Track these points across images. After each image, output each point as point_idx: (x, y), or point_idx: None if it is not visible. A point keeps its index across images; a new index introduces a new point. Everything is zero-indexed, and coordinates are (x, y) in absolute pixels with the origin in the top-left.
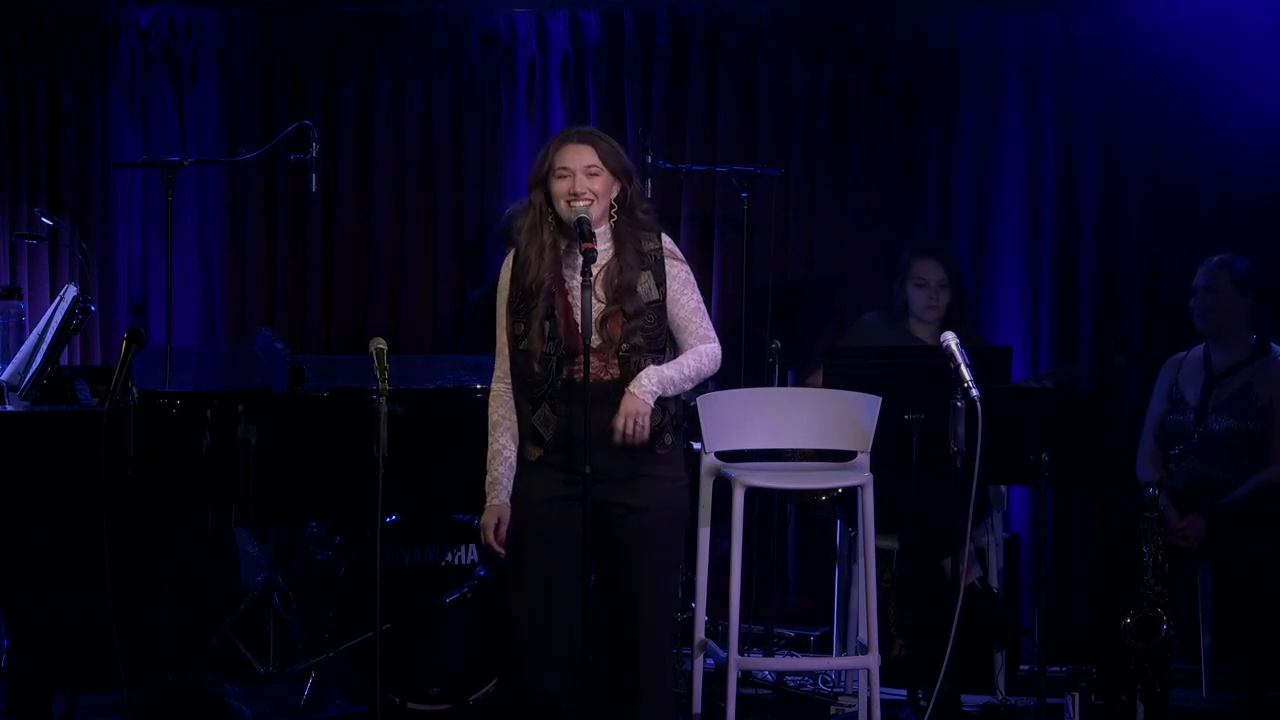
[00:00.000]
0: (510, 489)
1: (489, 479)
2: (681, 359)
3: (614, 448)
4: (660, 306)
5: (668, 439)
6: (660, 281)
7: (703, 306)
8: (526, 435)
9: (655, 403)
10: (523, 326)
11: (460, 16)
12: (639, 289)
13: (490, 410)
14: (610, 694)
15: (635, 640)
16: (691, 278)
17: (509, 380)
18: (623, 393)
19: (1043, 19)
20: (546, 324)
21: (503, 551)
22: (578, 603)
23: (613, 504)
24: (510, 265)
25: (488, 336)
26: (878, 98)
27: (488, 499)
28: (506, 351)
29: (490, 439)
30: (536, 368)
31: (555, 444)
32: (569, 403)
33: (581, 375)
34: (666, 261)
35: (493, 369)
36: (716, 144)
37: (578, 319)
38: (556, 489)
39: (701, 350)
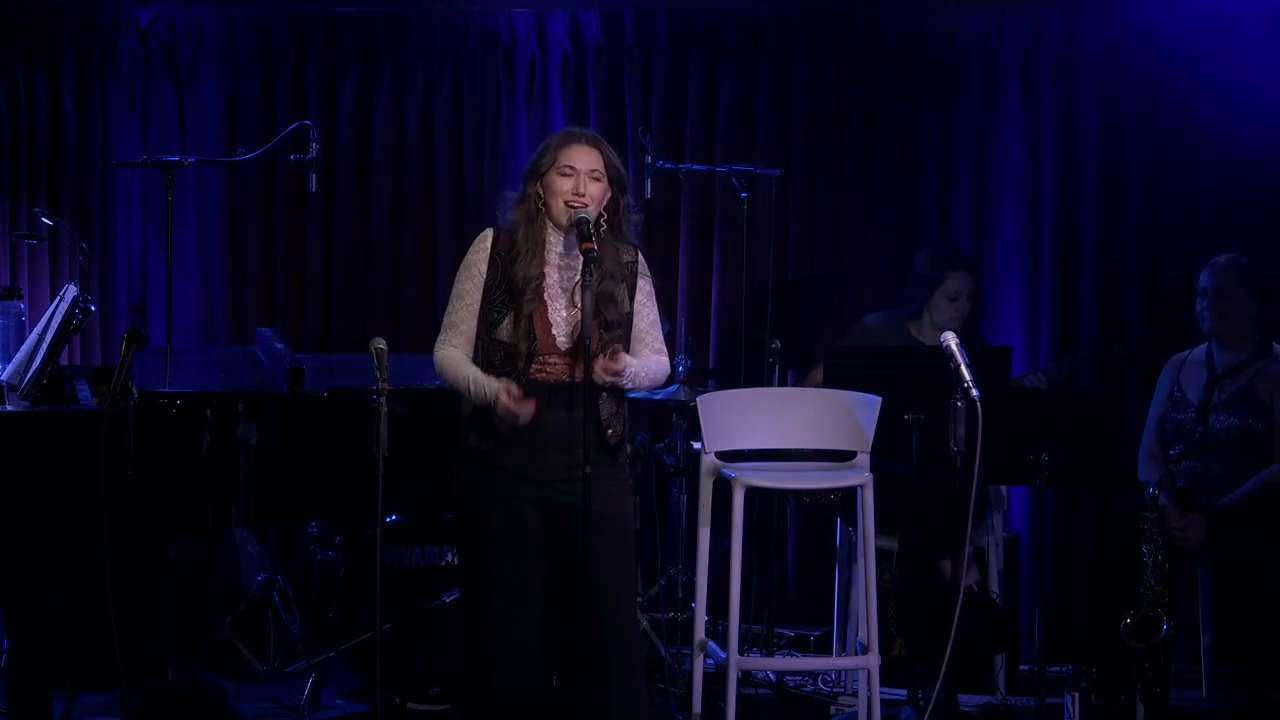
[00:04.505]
0: None
1: (480, 380)
2: (644, 360)
3: (572, 452)
4: (629, 317)
5: (628, 446)
6: (631, 295)
7: (659, 321)
8: (479, 424)
9: (618, 411)
10: (497, 315)
11: (460, 16)
12: (618, 298)
13: (447, 354)
14: (586, 694)
15: (613, 638)
16: (654, 293)
17: (461, 352)
18: (583, 395)
19: (1043, 19)
20: (525, 320)
21: (533, 408)
22: (543, 606)
23: (573, 506)
24: (490, 245)
25: None
26: (878, 98)
27: (489, 390)
28: (465, 330)
29: (460, 372)
30: (519, 363)
31: (511, 439)
32: (532, 401)
33: (545, 375)
34: (639, 277)
35: None
36: (716, 144)
37: (550, 318)
38: (515, 490)
39: (660, 359)
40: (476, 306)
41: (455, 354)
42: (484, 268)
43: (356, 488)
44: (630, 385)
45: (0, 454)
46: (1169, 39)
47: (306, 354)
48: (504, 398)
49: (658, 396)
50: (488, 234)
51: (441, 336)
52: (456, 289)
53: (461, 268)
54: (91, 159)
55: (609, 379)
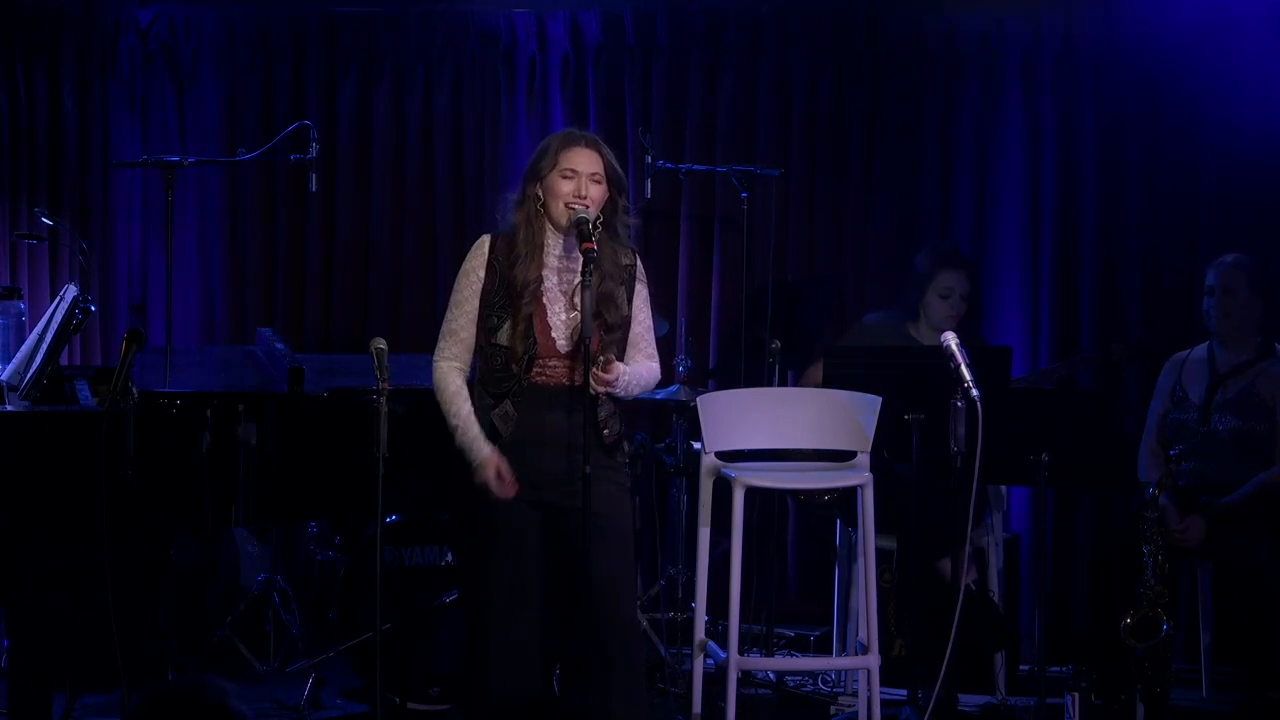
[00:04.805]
0: None
1: (469, 437)
2: (636, 367)
3: (571, 455)
4: (627, 321)
5: (626, 445)
6: (629, 298)
7: (653, 327)
8: (482, 429)
9: (614, 411)
10: (496, 320)
11: (460, 16)
12: (618, 300)
13: (447, 382)
14: (586, 694)
15: (614, 638)
16: (650, 299)
17: (462, 364)
18: (582, 397)
19: (1043, 19)
20: (524, 322)
21: (515, 490)
22: (542, 606)
23: (572, 509)
24: (487, 250)
25: None
26: (878, 97)
27: (475, 454)
28: (465, 337)
29: (454, 406)
30: (515, 367)
31: (511, 442)
32: (531, 403)
33: (545, 378)
34: (636, 281)
35: None
36: (716, 144)
37: (550, 321)
38: (517, 492)
39: (652, 366)
40: (476, 313)
41: (454, 379)
42: (482, 273)
43: (356, 488)
44: (622, 393)
45: (0, 454)
46: (1169, 39)
47: (306, 354)
48: (490, 474)
49: (658, 396)
50: (485, 240)
51: (441, 344)
52: (455, 296)
53: (460, 275)
54: (91, 159)
55: (602, 388)
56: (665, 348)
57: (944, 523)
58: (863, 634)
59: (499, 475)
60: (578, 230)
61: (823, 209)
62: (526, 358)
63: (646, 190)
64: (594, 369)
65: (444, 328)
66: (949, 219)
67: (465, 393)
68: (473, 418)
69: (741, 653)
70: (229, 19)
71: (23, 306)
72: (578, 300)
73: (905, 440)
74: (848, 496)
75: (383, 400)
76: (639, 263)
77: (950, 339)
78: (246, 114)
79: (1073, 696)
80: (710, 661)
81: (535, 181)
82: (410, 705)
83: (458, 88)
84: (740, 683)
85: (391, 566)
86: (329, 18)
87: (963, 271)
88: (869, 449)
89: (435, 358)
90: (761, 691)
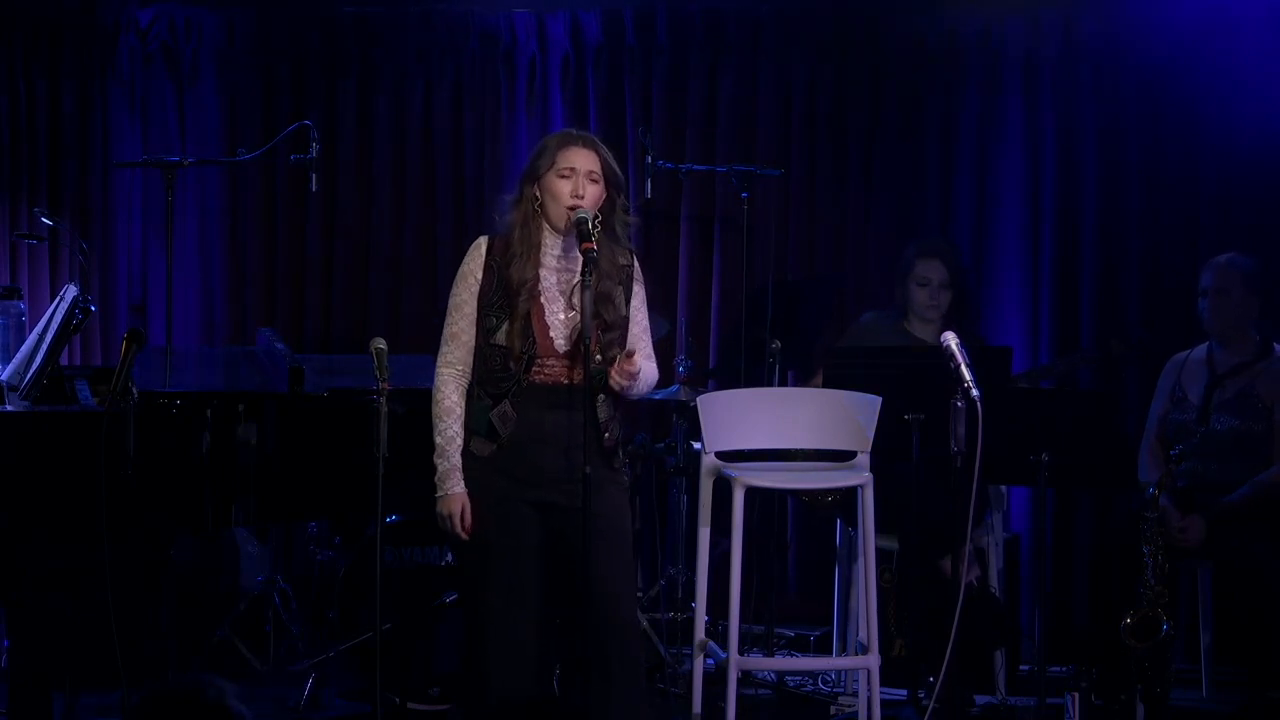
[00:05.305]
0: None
1: (446, 465)
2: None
3: (570, 453)
4: (625, 321)
5: (622, 452)
6: (627, 299)
7: (649, 327)
8: (479, 430)
9: (614, 415)
10: (494, 320)
11: (460, 16)
12: (615, 299)
13: (443, 395)
14: (586, 694)
15: (614, 639)
16: (646, 300)
17: (464, 367)
18: (581, 397)
19: (1042, 19)
20: (521, 321)
21: (466, 538)
22: (541, 606)
23: (571, 508)
24: (484, 252)
25: None
26: (878, 98)
27: (445, 486)
28: (465, 340)
29: (443, 424)
30: (513, 365)
31: (511, 442)
32: (529, 403)
33: (544, 378)
34: (634, 282)
35: None
36: (716, 144)
37: (548, 320)
38: (513, 491)
39: (651, 366)
40: (475, 315)
41: (451, 392)
42: (480, 275)
43: (356, 488)
44: (635, 391)
45: (0, 454)
46: (1169, 39)
47: (306, 354)
48: (456, 509)
49: (658, 396)
50: (482, 241)
51: (442, 349)
52: (454, 299)
53: (458, 278)
54: (91, 159)
55: (625, 381)
56: (665, 348)
57: (944, 522)
58: (863, 634)
59: (460, 522)
60: (578, 230)
61: (823, 209)
62: (526, 357)
63: (647, 190)
64: (618, 361)
65: (445, 332)
66: (949, 219)
67: (458, 410)
68: (456, 442)
69: (741, 653)
70: (229, 19)
71: (23, 306)
72: (576, 300)
73: (905, 440)
74: (848, 496)
75: (383, 400)
76: (636, 263)
77: (950, 339)
78: (246, 114)
79: (1073, 696)
80: (710, 661)
81: (533, 181)
82: (410, 705)
83: (458, 88)
84: (740, 683)
85: (391, 566)
86: (329, 18)
87: (938, 260)
88: (869, 449)
89: (438, 363)
90: (761, 691)
